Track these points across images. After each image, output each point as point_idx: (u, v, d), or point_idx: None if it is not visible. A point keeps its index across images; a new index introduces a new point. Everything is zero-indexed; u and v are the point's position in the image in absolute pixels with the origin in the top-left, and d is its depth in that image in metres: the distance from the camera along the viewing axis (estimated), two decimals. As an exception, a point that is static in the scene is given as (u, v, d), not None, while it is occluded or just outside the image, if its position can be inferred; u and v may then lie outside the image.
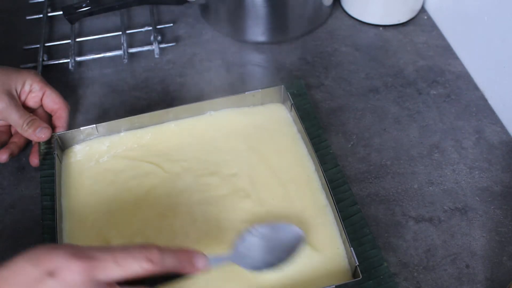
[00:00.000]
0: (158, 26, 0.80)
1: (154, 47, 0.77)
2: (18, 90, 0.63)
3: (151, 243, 0.46)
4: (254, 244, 0.53)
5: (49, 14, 0.83)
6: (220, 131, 0.66)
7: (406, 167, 0.64)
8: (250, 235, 0.53)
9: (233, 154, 0.64)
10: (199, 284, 0.54)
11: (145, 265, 0.43)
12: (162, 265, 0.44)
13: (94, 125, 0.64)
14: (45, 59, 0.76)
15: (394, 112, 0.70)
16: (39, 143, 0.65)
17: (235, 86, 0.73)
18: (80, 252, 0.42)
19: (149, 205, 0.59)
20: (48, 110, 0.67)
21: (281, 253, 0.54)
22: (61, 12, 0.77)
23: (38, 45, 0.77)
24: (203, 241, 0.56)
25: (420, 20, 0.82)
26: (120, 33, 0.79)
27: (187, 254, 0.47)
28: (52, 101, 0.66)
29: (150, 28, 0.79)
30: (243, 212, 0.58)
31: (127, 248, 0.43)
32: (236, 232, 0.56)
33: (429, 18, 0.82)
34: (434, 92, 0.72)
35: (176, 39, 0.80)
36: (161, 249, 0.44)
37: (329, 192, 0.58)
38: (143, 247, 0.44)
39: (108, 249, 0.43)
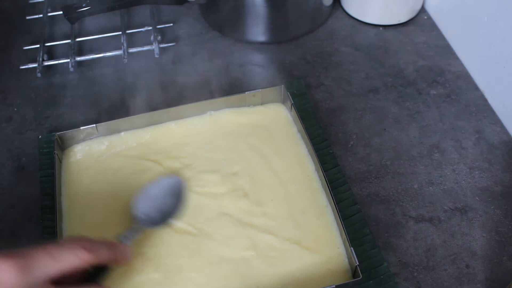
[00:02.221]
0: (158, 26, 0.80)
1: (154, 47, 0.77)
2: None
3: (82, 236, 0.49)
4: (149, 206, 0.57)
5: (49, 14, 0.83)
6: (220, 131, 0.66)
7: (406, 167, 0.64)
8: (142, 201, 0.57)
9: (234, 153, 0.64)
10: (199, 283, 0.54)
11: (80, 254, 0.43)
12: (97, 253, 0.45)
13: (94, 125, 0.64)
14: (45, 59, 0.76)
15: (394, 112, 0.70)
16: (39, 142, 0.65)
17: (235, 86, 0.73)
18: (13, 252, 0.42)
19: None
20: None
21: (173, 201, 0.58)
22: (61, 12, 0.77)
23: (38, 45, 0.77)
24: (196, 238, 0.57)
25: (420, 20, 0.82)
26: (120, 33, 0.79)
27: (117, 245, 0.49)
28: None
29: (150, 28, 0.79)
30: (239, 211, 0.58)
31: (60, 242, 0.45)
32: (228, 229, 0.57)
33: (429, 18, 0.82)
34: (434, 92, 0.72)
35: (176, 39, 0.80)
36: (93, 240, 0.46)
37: (329, 192, 0.58)
38: (75, 238, 0.46)
39: (41, 245, 0.43)
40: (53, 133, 0.65)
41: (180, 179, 0.60)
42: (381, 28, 0.81)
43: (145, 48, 0.77)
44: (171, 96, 0.72)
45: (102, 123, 0.64)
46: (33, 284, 0.41)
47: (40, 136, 0.67)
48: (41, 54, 0.76)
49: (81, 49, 0.79)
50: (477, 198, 0.61)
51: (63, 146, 0.64)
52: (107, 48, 0.77)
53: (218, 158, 0.63)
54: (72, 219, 0.58)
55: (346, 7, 0.83)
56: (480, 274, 0.55)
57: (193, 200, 0.59)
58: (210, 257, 0.55)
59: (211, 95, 0.71)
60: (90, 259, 0.44)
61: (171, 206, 0.58)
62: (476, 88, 0.72)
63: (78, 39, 0.79)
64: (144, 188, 0.59)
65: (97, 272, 0.48)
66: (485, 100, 0.71)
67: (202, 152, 0.64)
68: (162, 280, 0.54)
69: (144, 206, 0.57)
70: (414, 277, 0.55)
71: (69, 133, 0.64)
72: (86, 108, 0.71)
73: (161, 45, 0.78)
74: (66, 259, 0.43)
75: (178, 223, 0.58)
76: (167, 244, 0.56)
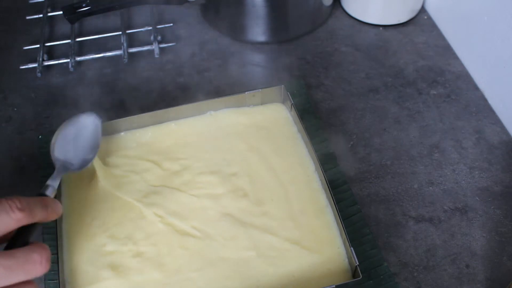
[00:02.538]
0: (158, 26, 0.80)
1: (154, 47, 0.77)
2: None
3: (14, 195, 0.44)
4: (66, 149, 0.55)
5: (49, 14, 0.83)
6: (220, 131, 0.66)
7: (406, 167, 0.64)
8: (59, 143, 0.55)
9: (233, 154, 0.64)
10: (199, 283, 0.54)
11: (14, 214, 0.41)
12: (32, 213, 0.43)
13: (94, 125, 0.64)
14: (45, 59, 0.76)
15: (394, 112, 0.70)
16: (39, 142, 0.64)
17: (235, 86, 0.73)
18: None
19: (147, 203, 0.59)
20: None
21: (90, 141, 0.57)
22: (61, 12, 0.77)
23: (38, 45, 0.77)
24: (197, 239, 0.57)
25: (420, 20, 0.82)
26: (120, 33, 0.79)
27: (49, 201, 0.47)
28: None
29: (150, 28, 0.79)
30: (239, 211, 0.58)
31: None
32: (231, 230, 0.57)
33: (429, 18, 0.82)
34: (434, 92, 0.72)
35: (176, 39, 0.80)
36: (25, 198, 0.43)
37: (329, 192, 0.58)
38: (6, 198, 0.42)
39: None
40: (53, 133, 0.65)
41: (94, 116, 0.58)
42: (381, 28, 0.81)
43: (145, 48, 0.77)
44: (171, 96, 0.72)
45: (102, 123, 0.64)
46: None
47: (40, 136, 0.67)
48: (41, 54, 0.76)
49: (81, 49, 0.79)
50: (477, 198, 0.61)
51: (63, 146, 0.64)
52: (107, 48, 0.77)
53: (218, 158, 0.63)
54: (72, 219, 0.58)
55: (346, 7, 0.83)
56: (480, 274, 0.55)
57: (195, 202, 0.59)
58: (210, 257, 0.55)
59: (211, 95, 0.71)
60: (24, 219, 0.42)
61: (88, 146, 0.57)
62: (476, 88, 0.72)
63: (78, 39, 0.79)
64: (61, 129, 0.57)
65: (25, 228, 0.45)
66: (485, 100, 0.71)
67: (202, 153, 0.64)
68: (163, 280, 0.54)
69: (63, 149, 0.55)
70: (414, 277, 0.55)
71: (69, 133, 0.64)
72: (86, 108, 0.71)
73: (161, 45, 0.78)
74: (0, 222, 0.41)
75: (182, 225, 0.58)
76: (168, 243, 0.56)
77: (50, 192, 0.50)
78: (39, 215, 0.44)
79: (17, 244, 0.43)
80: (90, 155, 0.57)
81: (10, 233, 0.43)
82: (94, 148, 0.57)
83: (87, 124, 0.58)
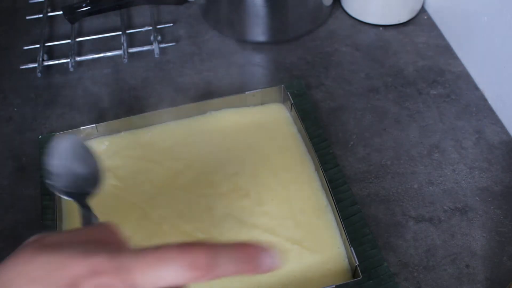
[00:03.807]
0: (158, 26, 0.80)
1: (154, 47, 0.77)
2: None
3: (198, 241, 0.32)
4: (63, 175, 0.46)
5: (49, 14, 0.83)
6: (220, 131, 0.66)
7: (406, 167, 0.64)
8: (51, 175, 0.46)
9: (234, 153, 0.64)
10: (199, 284, 0.54)
11: (189, 274, 0.30)
12: (214, 272, 0.31)
13: (94, 125, 0.64)
14: (45, 59, 0.76)
15: (394, 112, 0.70)
16: (39, 142, 0.64)
17: (235, 86, 0.73)
18: (112, 259, 0.30)
19: (148, 203, 0.59)
20: None
21: (86, 163, 0.48)
22: (61, 12, 0.77)
23: (38, 45, 0.77)
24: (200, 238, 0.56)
25: (420, 20, 0.82)
26: (120, 33, 0.79)
27: (248, 250, 0.33)
28: None
29: (150, 28, 0.79)
30: (241, 211, 0.58)
31: (164, 251, 0.30)
32: (232, 231, 0.57)
33: (429, 18, 0.82)
34: (434, 92, 0.72)
35: (176, 39, 0.80)
36: (213, 250, 0.31)
37: (329, 192, 0.58)
38: (186, 248, 0.30)
39: (141, 251, 0.31)
40: (53, 133, 0.65)
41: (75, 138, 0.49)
42: (381, 28, 0.81)
43: (145, 48, 0.77)
44: (171, 96, 0.72)
45: (102, 123, 0.64)
46: None
47: (40, 136, 0.67)
48: (41, 54, 0.76)
49: (81, 49, 0.79)
50: (477, 198, 0.61)
51: (63, 146, 0.64)
52: (107, 48, 0.77)
53: (218, 158, 0.63)
54: (72, 219, 0.58)
55: (346, 7, 0.83)
56: (480, 274, 0.55)
57: (198, 202, 0.59)
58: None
59: (211, 95, 0.71)
60: (201, 279, 0.31)
61: (89, 168, 0.48)
62: (476, 88, 0.72)
63: (78, 39, 0.79)
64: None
65: None
66: (485, 100, 0.71)
67: (202, 152, 0.64)
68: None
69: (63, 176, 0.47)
70: (414, 277, 0.55)
71: (69, 133, 0.64)
72: (86, 108, 0.71)
73: (161, 45, 0.78)
74: (176, 278, 0.30)
75: (186, 226, 0.58)
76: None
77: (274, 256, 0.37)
78: (227, 273, 0.32)
79: None
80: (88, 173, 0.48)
81: None
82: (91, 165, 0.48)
83: (68, 148, 0.48)
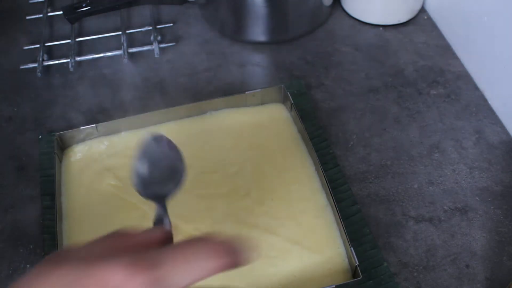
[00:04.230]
0: (158, 26, 0.80)
1: (154, 47, 0.77)
2: None
3: (208, 234, 0.35)
4: (148, 178, 0.45)
5: (49, 14, 0.83)
6: (220, 131, 0.66)
7: (406, 167, 0.64)
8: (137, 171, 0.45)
9: (234, 153, 0.64)
10: (200, 283, 0.54)
11: (221, 261, 0.33)
12: (236, 258, 0.34)
13: (94, 125, 0.64)
14: (45, 59, 0.76)
15: (394, 112, 0.70)
16: (39, 142, 0.64)
17: (235, 86, 0.73)
18: (143, 259, 0.32)
19: (148, 203, 0.59)
20: None
21: (172, 164, 0.47)
22: (61, 12, 0.77)
23: (38, 45, 0.77)
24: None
25: (420, 20, 0.82)
26: (120, 33, 0.79)
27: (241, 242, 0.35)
28: None
29: (150, 28, 0.79)
30: (241, 211, 0.58)
31: (195, 241, 0.33)
32: (232, 231, 0.57)
33: (429, 18, 0.82)
34: (434, 92, 0.72)
35: (176, 39, 0.80)
36: (226, 240, 0.34)
37: (329, 192, 0.58)
38: (207, 240, 0.33)
39: (175, 247, 0.34)
40: (53, 133, 0.65)
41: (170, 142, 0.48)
42: (381, 28, 0.81)
43: (145, 48, 0.77)
44: (171, 96, 0.72)
45: (102, 123, 0.64)
46: None
47: (40, 136, 0.67)
48: (41, 54, 0.76)
49: (81, 49, 0.79)
50: (477, 198, 0.61)
51: (63, 146, 0.64)
52: (107, 48, 0.77)
53: (218, 158, 0.63)
54: (72, 219, 0.59)
55: (346, 7, 0.83)
56: (480, 274, 0.55)
57: (198, 202, 0.59)
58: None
59: (211, 95, 0.71)
60: (228, 267, 0.34)
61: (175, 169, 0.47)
62: (476, 88, 0.72)
63: (78, 39, 0.79)
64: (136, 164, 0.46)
65: None
66: (485, 100, 0.71)
67: (202, 152, 0.64)
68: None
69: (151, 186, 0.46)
70: (414, 277, 0.55)
71: (69, 133, 0.64)
72: (86, 108, 0.71)
73: (161, 45, 0.78)
74: (205, 268, 0.33)
75: (186, 227, 0.57)
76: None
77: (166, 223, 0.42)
78: (242, 261, 0.35)
79: None
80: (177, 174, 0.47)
81: None
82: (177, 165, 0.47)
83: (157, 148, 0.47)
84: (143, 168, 0.45)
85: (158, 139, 0.47)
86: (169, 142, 0.47)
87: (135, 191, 0.45)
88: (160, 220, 0.43)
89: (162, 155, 0.46)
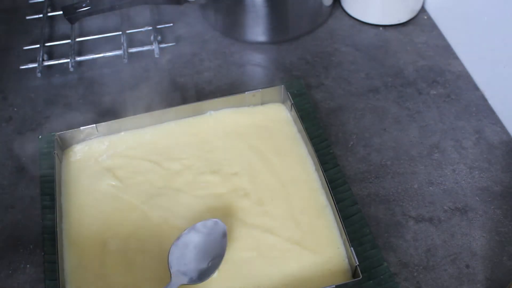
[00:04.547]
0: (158, 26, 0.80)
1: (154, 47, 0.77)
2: None
3: None
4: (187, 256, 0.53)
5: (49, 14, 0.83)
6: (220, 131, 0.66)
7: (406, 167, 0.64)
8: (177, 248, 0.53)
9: (233, 153, 0.64)
10: (200, 283, 0.54)
11: None
12: None
13: (94, 125, 0.64)
14: (45, 59, 0.76)
15: (394, 112, 0.70)
16: (39, 142, 0.64)
17: (235, 86, 0.73)
18: None
19: (148, 203, 0.59)
20: None
21: (214, 251, 0.54)
22: (61, 12, 0.77)
23: (38, 45, 0.77)
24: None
25: (420, 20, 0.82)
26: (120, 33, 0.79)
27: None
28: None
29: (150, 28, 0.79)
30: (241, 211, 0.58)
31: None
32: (232, 231, 0.57)
33: (429, 18, 0.82)
34: (434, 92, 0.72)
35: (176, 39, 0.80)
36: None
37: (329, 192, 0.58)
38: None
39: None
40: (53, 133, 0.65)
41: (220, 223, 0.54)
42: (381, 28, 0.81)
43: (145, 48, 0.77)
44: (171, 96, 0.72)
45: (102, 123, 0.64)
46: None
47: (40, 136, 0.67)
48: (41, 54, 0.76)
49: (81, 49, 0.79)
50: (477, 198, 0.61)
51: (63, 146, 0.64)
52: (107, 48, 0.77)
53: (218, 158, 0.63)
54: (72, 219, 0.58)
55: (346, 7, 0.83)
56: (480, 274, 0.55)
57: (198, 202, 0.59)
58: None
59: (211, 95, 0.71)
60: None
61: (208, 256, 0.53)
62: (476, 88, 0.72)
63: (78, 39, 0.79)
64: (181, 237, 0.54)
65: None
66: (485, 100, 0.71)
67: (202, 152, 0.64)
68: (164, 279, 0.54)
69: (181, 260, 0.52)
70: (414, 277, 0.55)
71: (69, 133, 0.64)
72: (86, 108, 0.71)
73: (161, 45, 0.78)
74: None
75: (186, 227, 0.57)
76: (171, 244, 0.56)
77: None
78: None
79: None
80: (210, 267, 0.53)
81: None
82: (216, 259, 0.53)
83: (211, 231, 0.54)
84: (189, 242, 0.53)
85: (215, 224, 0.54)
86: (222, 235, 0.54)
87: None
88: None
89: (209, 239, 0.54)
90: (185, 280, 0.51)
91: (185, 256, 0.53)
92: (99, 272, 0.54)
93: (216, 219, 0.55)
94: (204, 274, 0.52)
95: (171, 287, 0.50)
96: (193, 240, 0.54)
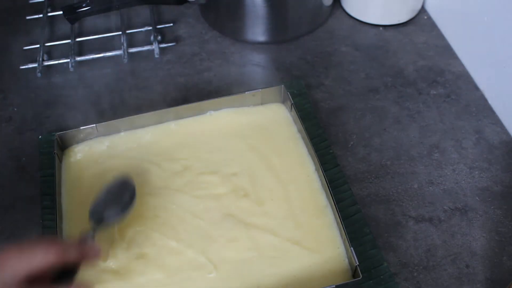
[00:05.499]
0: (158, 26, 0.80)
1: (154, 47, 0.77)
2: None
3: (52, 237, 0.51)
4: (103, 205, 0.55)
5: (49, 14, 0.83)
6: (220, 131, 0.66)
7: (406, 167, 0.64)
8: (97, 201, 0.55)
9: (233, 153, 0.64)
10: (199, 284, 0.54)
11: (50, 254, 0.44)
12: (65, 252, 0.45)
13: (94, 125, 0.64)
14: (45, 59, 0.76)
15: (394, 112, 0.70)
16: (39, 142, 0.64)
17: (235, 86, 0.73)
18: None
19: (148, 203, 0.59)
20: None
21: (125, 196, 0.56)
22: (61, 12, 0.77)
23: (38, 45, 0.77)
24: (200, 240, 0.57)
25: (420, 20, 0.82)
26: (120, 33, 0.79)
27: (85, 243, 0.50)
28: None
29: (150, 28, 0.79)
30: (240, 211, 0.58)
31: (34, 241, 0.45)
32: (232, 231, 0.57)
33: (429, 18, 0.82)
34: (434, 92, 0.72)
35: (176, 39, 0.80)
36: (62, 240, 0.50)
37: (329, 192, 0.58)
38: (48, 239, 0.47)
39: (16, 244, 0.44)
40: (53, 133, 0.65)
41: (128, 178, 0.57)
42: (381, 28, 0.81)
43: (145, 48, 0.77)
44: (170, 96, 0.72)
45: (102, 123, 0.64)
46: (4, 284, 0.42)
47: (40, 136, 0.67)
48: (41, 54, 0.76)
49: (81, 49, 0.79)
50: (477, 198, 0.61)
51: (63, 146, 0.64)
52: (107, 48, 0.77)
53: (218, 158, 0.63)
54: (72, 219, 0.58)
55: (346, 7, 0.83)
56: (480, 274, 0.55)
57: (198, 203, 0.59)
58: (212, 258, 0.55)
59: (211, 95, 0.71)
60: (59, 258, 0.45)
61: (123, 201, 0.56)
62: (476, 88, 0.72)
63: (78, 39, 0.79)
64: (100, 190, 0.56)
65: (68, 272, 0.47)
66: (485, 100, 0.71)
67: (202, 153, 0.64)
68: (163, 280, 0.54)
69: (98, 206, 0.55)
70: (414, 277, 0.55)
71: (69, 133, 0.64)
72: (86, 108, 0.71)
73: (161, 45, 0.78)
74: (37, 258, 0.44)
75: (186, 227, 0.57)
76: (171, 246, 0.56)
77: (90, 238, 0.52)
78: (74, 255, 0.47)
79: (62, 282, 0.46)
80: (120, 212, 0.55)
81: (50, 272, 0.46)
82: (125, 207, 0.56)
83: (123, 185, 0.57)
84: (98, 199, 0.55)
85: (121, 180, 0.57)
86: (127, 183, 0.57)
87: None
88: (84, 239, 0.51)
89: (118, 193, 0.56)
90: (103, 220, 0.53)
91: (100, 202, 0.55)
92: (101, 273, 0.54)
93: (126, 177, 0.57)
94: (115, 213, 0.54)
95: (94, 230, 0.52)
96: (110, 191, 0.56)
